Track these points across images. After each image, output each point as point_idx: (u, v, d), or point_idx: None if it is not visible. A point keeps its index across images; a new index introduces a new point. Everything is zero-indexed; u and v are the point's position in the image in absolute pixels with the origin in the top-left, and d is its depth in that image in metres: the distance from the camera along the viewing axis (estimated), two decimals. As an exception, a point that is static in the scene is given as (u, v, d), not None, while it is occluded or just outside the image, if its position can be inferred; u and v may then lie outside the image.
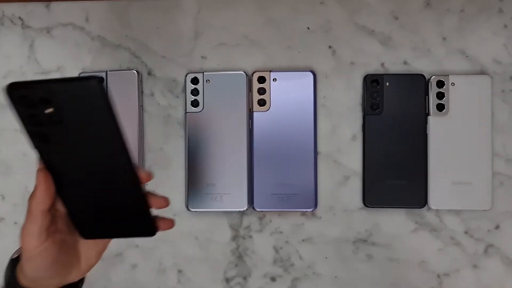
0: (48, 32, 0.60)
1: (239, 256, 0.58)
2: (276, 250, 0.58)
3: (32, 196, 0.37)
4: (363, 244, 0.57)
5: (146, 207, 0.39)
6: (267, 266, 0.58)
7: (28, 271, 0.40)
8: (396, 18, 0.58)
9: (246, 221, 0.58)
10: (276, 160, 0.56)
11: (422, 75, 0.56)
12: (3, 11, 0.60)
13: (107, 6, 0.59)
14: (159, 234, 0.59)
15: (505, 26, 0.57)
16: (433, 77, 0.56)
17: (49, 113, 0.34)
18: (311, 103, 0.55)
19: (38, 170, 0.37)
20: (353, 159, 0.58)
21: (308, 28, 0.58)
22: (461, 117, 0.56)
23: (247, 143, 0.57)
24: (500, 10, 0.57)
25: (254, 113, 0.56)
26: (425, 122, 0.56)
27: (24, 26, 0.60)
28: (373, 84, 0.57)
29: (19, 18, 0.60)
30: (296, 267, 0.58)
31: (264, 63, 0.58)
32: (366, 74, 0.57)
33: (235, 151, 0.57)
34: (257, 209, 0.56)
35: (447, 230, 0.57)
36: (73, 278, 0.42)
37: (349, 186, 0.58)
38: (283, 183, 0.56)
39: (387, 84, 0.56)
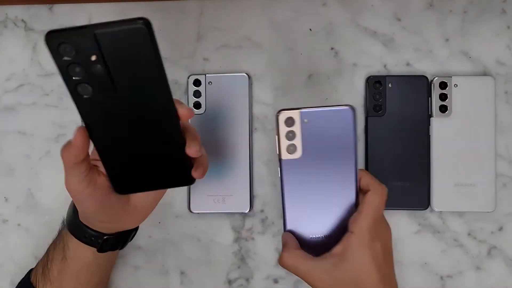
0: (51, 34, 0.60)
1: (242, 258, 0.58)
2: (278, 252, 0.58)
3: (64, 149, 0.38)
4: (365, 246, 0.57)
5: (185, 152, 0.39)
6: (270, 268, 0.58)
7: (80, 212, 0.43)
8: (399, 20, 0.58)
9: (248, 223, 0.58)
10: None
11: (425, 77, 0.56)
12: (6, 14, 0.60)
13: (110, 8, 0.59)
14: (160, 235, 0.59)
15: (508, 27, 0.57)
16: (436, 78, 0.56)
17: (93, 60, 0.33)
18: (352, 144, 0.43)
19: (78, 128, 0.37)
20: (356, 161, 0.57)
21: (310, 29, 0.58)
22: (464, 118, 0.56)
23: (249, 145, 0.57)
24: (503, 11, 0.57)
25: (283, 161, 0.43)
26: (428, 124, 0.56)
27: (27, 28, 0.60)
28: (375, 85, 0.57)
29: (22, 20, 0.60)
30: (298, 269, 0.58)
31: (266, 64, 0.58)
32: (368, 75, 0.57)
33: (238, 153, 0.57)
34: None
35: (450, 231, 0.57)
36: (129, 225, 0.46)
37: (352, 187, 0.58)
38: None
39: (390, 85, 0.56)
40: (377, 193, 0.42)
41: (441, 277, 0.57)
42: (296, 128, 0.42)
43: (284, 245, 0.43)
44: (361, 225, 0.41)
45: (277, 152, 0.43)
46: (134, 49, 0.33)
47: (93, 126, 0.37)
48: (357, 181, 0.43)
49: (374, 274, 0.40)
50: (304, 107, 0.42)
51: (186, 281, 0.59)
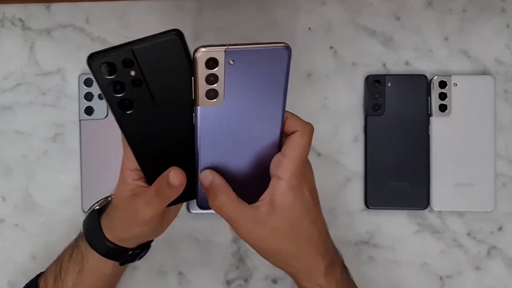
0: (48, 33, 0.60)
1: (240, 258, 0.58)
2: (277, 252, 0.58)
3: (167, 190, 0.38)
4: (364, 246, 0.57)
5: None
6: (268, 268, 0.58)
7: (132, 234, 0.43)
8: (398, 19, 0.57)
9: (247, 222, 0.58)
10: None
11: (424, 76, 0.56)
12: (3, 13, 0.60)
13: (107, 7, 0.59)
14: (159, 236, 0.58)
15: (508, 26, 0.57)
16: (435, 77, 0.56)
17: (133, 76, 0.35)
18: (282, 87, 0.38)
19: (175, 169, 0.37)
20: (355, 161, 0.57)
21: (309, 28, 0.58)
22: (463, 117, 0.55)
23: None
24: (503, 10, 0.57)
25: (199, 108, 0.37)
26: (427, 123, 0.56)
27: (25, 27, 0.60)
28: (374, 84, 0.56)
29: (20, 19, 0.60)
30: (297, 269, 0.57)
31: (265, 64, 0.58)
32: (367, 74, 0.57)
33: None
34: None
35: (449, 231, 0.57)
36: (154, 236, 0.46)
37: (351, 187, 0.57)
38: None
39: (389, 84, 0.56)
40: (303, 133, 0.38)
41: (441, 277, 0.57)
42: (219, 71, 0.34)
43: (217, 187, 0.38)
44: (288, 170, 0.38)
45: (193, 97, 0.36)
46: (170, 60, 0.35)
47: (135, 141, 0.38)
48: (282, 124, 0.38)
49: (305, 217, 0.39)
50: (230, 45, 0.34)
51: (184, 282, 0.58)
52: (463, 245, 0.57)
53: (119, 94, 0.35)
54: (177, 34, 0.34)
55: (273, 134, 0.38)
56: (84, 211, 0.57)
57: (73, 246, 0.47)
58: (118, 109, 0.36)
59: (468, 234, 0.57)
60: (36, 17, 0.60)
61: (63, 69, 0.59)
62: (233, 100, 0.36)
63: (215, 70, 0.34)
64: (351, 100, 0.58)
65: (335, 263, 0.42)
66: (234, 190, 0.38)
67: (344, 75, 0.58)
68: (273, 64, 0.36)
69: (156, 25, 0.59)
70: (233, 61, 0.35)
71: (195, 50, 0.34)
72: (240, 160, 0.39)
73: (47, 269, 0.48)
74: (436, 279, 0.57)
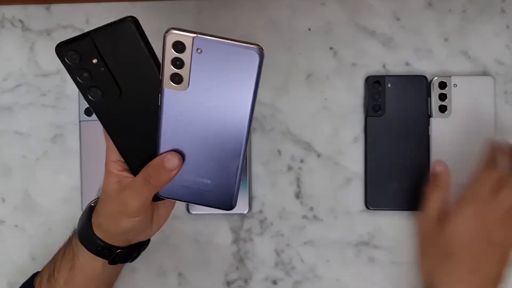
0: (48, 34, 0.60)
1: (240, 259, 0.58)
2: (277, 253, 0.58)
3: (162, 173, 0.38)
4: (365, 247, 0.57)
5: None
6: (268, 269, 0.57)
7: (119, 228, 0.42)
8: (398, 19, 0.57)
9: (247, 224, 0.58)
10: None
11: (424, 77, 0.56)
12: (3, 14, 0.60)
13: (107, 8, 0.59)
14: (158, 236, 0.58)
15: (508, 27, 0.57)
16: (435, 78, 0.56)
17: (95, 63, 0.36)
18: (251, 89, 0.37)
19: (173, 153, 0.38)
20: (355, 161, 0.57)
21: (309, 29, 0.58)
22: (463, 118, 0.55)
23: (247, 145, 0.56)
24: (503, 11, 0.57)
25: (164, 91, 0.37)
26: (427, 124, 0.56)
27: (24, 28, 0.60)
28: (374, 85, 0.56)
29: (19, 20, 0.60)
30: (297, 270, 0.57)
31: (265, 64, 0.58)
32: (367, 75, 0.57)
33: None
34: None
35: (449, 232, 0.57)
36: (143, 237, 0.46)
37: (351, 188, 0.57)
38: None
39: (389, 85, 0.56)
40: None
41: (441, 278, 0.57)
42: (186, 56, 0.34)
43: None
44: None
45: (160, 78, 0.35)
46: (127, 46, 0.36)
47: (113, 131, 0.39)
48: (248, 129, 0.37)
49: None
50: (202, 33, 0.34)
51: (184, 283, 0.58)
52: (464, 246, 0.56)
53: (85, 81, 0.37)
54: (132, 21, 0.35)
55: (237, 136, 0.37)
56: (83, 212, 0.57)
57: (67, 244, 0.47)
58: (88, 96, 0.37)
59: (469, 235, 0.56)
60: (36, 18, 0.60)
61: (63, 70, 0.58)
62: (198, 90, 0.35)
63: (181, 55, 0.34)
64: (351, 101, 0.57)
65: None
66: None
67: (344, 75, 0.58)
68: (243, 64, 0.35)
69: (156, 25, 0.58)
70: (201, 50, 0.34)
71: (166, 31, 0.34)
72: (200, 154, 0.38)
73: (43, 268, 0.48)
74: (437, 280, 0.57)
